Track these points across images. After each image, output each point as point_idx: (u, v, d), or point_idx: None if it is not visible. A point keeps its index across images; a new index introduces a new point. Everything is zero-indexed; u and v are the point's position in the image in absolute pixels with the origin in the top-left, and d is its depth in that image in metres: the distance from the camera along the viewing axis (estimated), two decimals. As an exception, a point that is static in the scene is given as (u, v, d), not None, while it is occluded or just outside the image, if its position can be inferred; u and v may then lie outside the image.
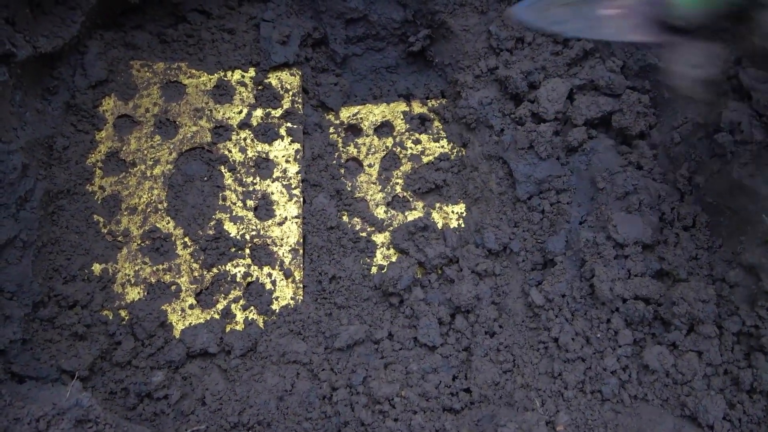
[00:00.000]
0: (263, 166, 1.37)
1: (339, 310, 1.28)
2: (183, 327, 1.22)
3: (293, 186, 1.35)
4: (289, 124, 1.39)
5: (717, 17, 0.89)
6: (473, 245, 1.30)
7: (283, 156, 1.37)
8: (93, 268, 1.23)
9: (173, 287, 1.25)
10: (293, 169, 1.37)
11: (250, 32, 1.43)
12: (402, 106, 1.47)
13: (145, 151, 1.33)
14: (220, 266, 1.28)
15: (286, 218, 1.33)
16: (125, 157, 1.31)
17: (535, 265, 1.27)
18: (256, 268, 1.30)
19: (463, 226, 1.36)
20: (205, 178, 1.34)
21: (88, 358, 1.12)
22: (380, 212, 1.38)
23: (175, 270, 1.26)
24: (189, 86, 1.38)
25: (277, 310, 1.26)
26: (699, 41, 0.90)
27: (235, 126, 1.37)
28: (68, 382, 1.04)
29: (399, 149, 1.43)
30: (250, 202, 1.33)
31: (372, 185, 1.41)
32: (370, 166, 1.42)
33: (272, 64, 1.40)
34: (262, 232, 1.32)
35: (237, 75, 1.40)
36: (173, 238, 1.28)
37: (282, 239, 1.32)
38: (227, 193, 1.33)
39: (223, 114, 1.37)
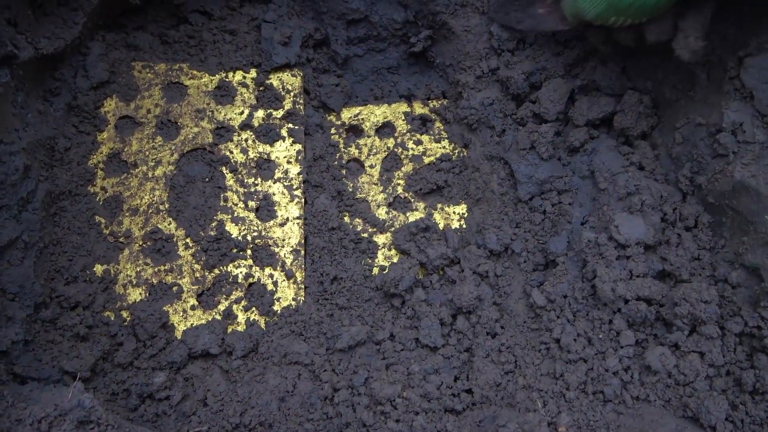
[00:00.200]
0: (265, 167, 1.37)
1: (340, 311, 1.28)
2: (184, 328, 1.22)
3: (295, 187, 1.35)
4: (290, 125, 1.39)
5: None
6: (475, 246, 1.30)
7: (284, 157, 1.37)
8: (95, 269, 1.23)
9: (175, 288, 1.25)
10: (295, 169, 1.37)
11: (251, 33, 1.43)
12: (403, 107, 1.47)
13: (147, 152, 1.33)
14: (221, 267, 1.28)
15: (287, 219, 1.33)
16: (127, 158, 1.31)
17: (537, 266, 1.27)
18: (257, 269, 1.30)
19: (464, 226, 1.36)
20: (207, 179, 1.34)
21: (89, 359, 1.13)
22: (382, 213, 1.38)
23: (177, 271, 1.26)
24: (190, 87, 1.38)
25: (278, 311, 1.26)
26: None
27: (237, 127, 1.37)
28: (70, 383, 1.04)
29: (400, 150, 1.43)
30: (251, 203, 1.33)
31: (373, 186, 1.41)
32: (371, 166, 1.42)
33: (273, 65, 1.40)
34: (263, 233, 1.32)
35: (238, 76, 1.40)
36: (175, 239, 1.28)
37: (283, 240, 1.32)
38: (229, 194, 1.33)
39: (225, 115, 1.38)
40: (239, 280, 1.28)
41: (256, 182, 1.35)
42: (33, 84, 1.19)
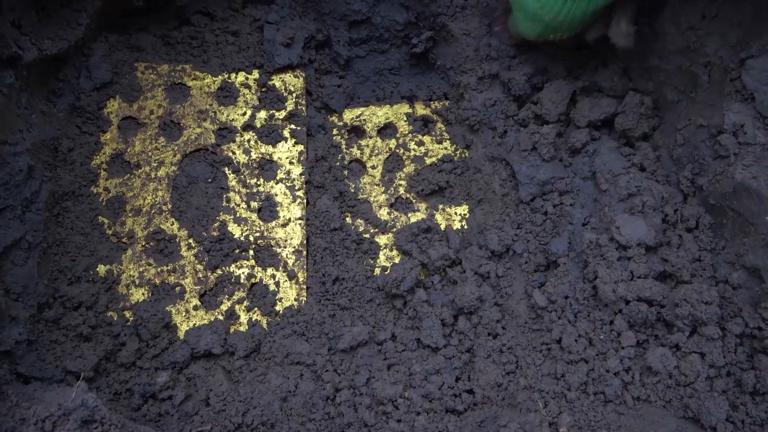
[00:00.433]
0: (267, 167, 1.38)
1: (342, 311, 1.28)
2: (187, 328, 1.23)
3: (297, 187, 1.36)
4: (292, 126, 1.40)
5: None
6: (476, 247, 1.30)
7: (286, 158, 1.38)
8: (98, 269, 1.23)
9: (177, 288, 1.26)
10: (297, 170, 1.37)
11: (253, 34, 1.44)
12: (405, 108, 1.48)
13: (150, 153, 1.33)
14: (224, 267, 1.29)
15: (289, 220, 1.34)
16: (130, 158, 1.32)
17: (538, 267, 1.28)
18: (259, 269, 1.30)
19: (466, 227, 1.37)
20: (210, 180, 1.34)
21: (92, 359, 1.13)
22: (383, 214, 1.39)
23: (180, 271, 1.27)
24: (193, 88, 1.38)
25: (280, 312, 1.27)
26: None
27: (239, 128, 1.38)
28: (73, 383, 1.04)
29: (402, 151, 1.44)
30: (253, 204, 1.33)
31: (375, 187, 1.41)
32: (373, 167, 1.43)
33: (276, 66, 1.40)
34: (265, 234, 1.32)
35: (241, 77, 1.41)
36: (177, 240, 1.29)
37: (286, 241, 1.32)
38: (231, 194, 1.34)
39: (227, 116, 1.38)
40: (241, 281, 1.28)
41: (258, 183, 1.35)
42: (37, 85, 1.20)
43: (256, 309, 1.27)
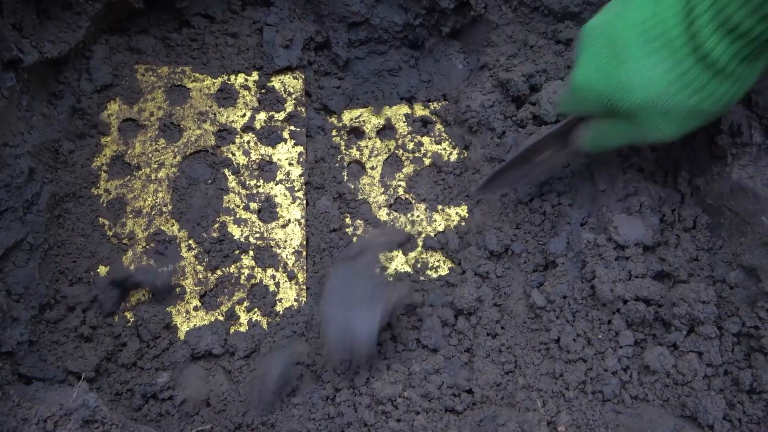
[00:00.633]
0: (267, 168, 1.38)
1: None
2: (187, 329, 1.23)
3: (296, 188, 1.37)
4: (292, 127, 1.41)
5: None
6: (475, 247, 1.31)
7: (286, 159, 1.38)
8: (98, 270, 1.24)
9: (178, 289, 1.26)
10: (296, 171, 1.38)
11: (253, 36, 1.44)
12: (404, 109, 1.48)
13: (150, 155, 1.34)
14: (224, 268, 1.29)
15: (289, 221, 1.34)
16: (130, 160, 1.33)
17: (537, 267, 1.28)
18: (259, 270, 1.31)
19: (464, 228, 1.37)
20: (209, 181, 1.35)
21: (93, 359, 1.14)
22: (383, 214, 1.39)
23: (180, 272, 1.27)
24: (193, 90, 1.39)
25: (280, 312, 1.27)
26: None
27: (239, 129, 1.39)
28: (74, 384, 1.05)
29: (401, 151, 1.44)
30: (253, 205, 1.34)
31: (374, 187, 1.42)
32: (372, 168, 1.43)
33: (275, 68, 1.41)
34: (265, 235, 1.33)
35: (240, 79, 1.41)
36: (178, 241, 1.29)
37: (285, 241, 1.33)
38: (231, 195, 1.34)
39: (227, 117, 1.39)
40: (241, 281, 1.29)
41: (258, 184, 1.36)
42: (37, 87, 1.21)
43: (256, 309, 1.27)
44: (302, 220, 1.35)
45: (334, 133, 1.46)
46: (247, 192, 1.35)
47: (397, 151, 1.44)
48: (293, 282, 1.30)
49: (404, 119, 1.47)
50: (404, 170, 1.43)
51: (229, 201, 1.34)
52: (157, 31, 1.42)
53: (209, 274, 1.28)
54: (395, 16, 1.45)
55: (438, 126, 1.47)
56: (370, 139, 1.46)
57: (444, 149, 1.44)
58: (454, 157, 1.43)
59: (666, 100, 0.79)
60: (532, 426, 1.05)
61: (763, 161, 1.06)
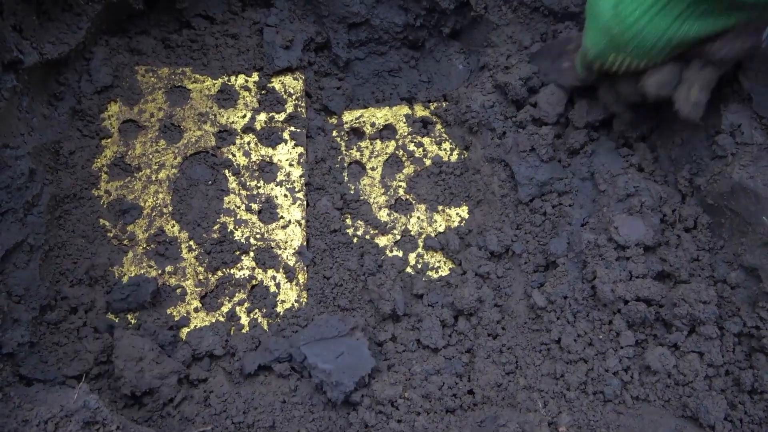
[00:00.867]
0: (267, 169, 1.38)
1: (343, 312, 1.28)
2: (188, 329, 1.23)
3: (297, 189, 1.36)
4: (292, 128, 1.41)
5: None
6: (476, 247, 1.31)
7: (286, 159, 1.38)
8: (99, 271, 1.23)
9: (178, 290, 1.26)
10: (297, 172, 1.38)
11: (253, 37, 1.44)
12: (404, 110, 1.48)
13: (150, 156, 1.34)
14: (224, 269, 1.29)
15: (289, 221, 1.34)
16: (131, 161, 1.33)
17: (538, 267, 1.28)
18: (260, 271, 1.31)
19: (465, 228, 1.37)
20: (210, 182, 1.35)
21: (94, 360, 1.14)
22: (383, 215, 1.39)
23: (181, 273, 1.27)
24: (193, 91, 1.39)
25: (281, 313, 1.27)
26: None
27: (239, 130, 1.39)
28: (75, 385, 1.05)
29: (401, 152, 1.44)
30: (254, 206, 1.34)
31: (375, 188, 1.42)
32: (372, 169, 1.43)
33: (275, 69, 1.41)
34: (266, 236, 1.33)
35: (241, 79, 1.41)
36: (178, 242, 1.29)
37: (286, 242, 1.33)
38: (231, 196, 1.34)
39: (227, 118, 1.39)
40: (242, 282, 1.29)
41: (258, 185, 1.36)
42: (38, 89, 1.21)
43: (256, 310, 1.27)
44: (303, 221, 1.34)
45: (334, 133, 1.46)
46: (248, 193, 1.35)
47: (397, 152, 1.44)
48: (294, 283, 1.30)
49: (404, 120, 1.47)
50: (405, 171, 1.43)
51: (229, 202, 1.34)
52: (158, 32, 1.42)
53: (210, 275, 1.28)
54: (395, 16, 1.45)
55: (438, 126, 1.47)
56: (370, 139, 1.46)
57: (444, 150, 1.44)
58: (454, 158, 1.43)
59: (599, 8, 1.02)
60: (533, 426, 1.05)
61: (764, 161, 1.06)
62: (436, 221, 1.39)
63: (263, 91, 1.42)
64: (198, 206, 1.32)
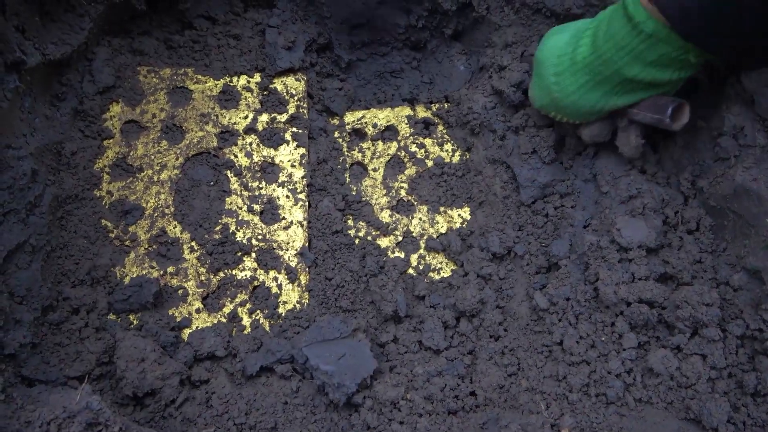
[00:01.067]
0: (269, 170, 1.38)
1: (344, 313, 1.28)
2: (190, 331, 1.23)
3: (299, 190, 1.36)
4: (294, 129, 1.41)
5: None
6: (478, 249, 1.31)
7: (288, 160, 1.38)
8: (101, 272, 1.23)
9: (180, 291, 1.26)
10: (299, 173, 1.38)
11: (255, 38, 1.44)
12: (406, 111, 1.48)
13: (152, 156, 1.34)
14: (226, 270, 1.29)
15: (291, 222, 1.34)
16: (132, 162, 1.33)
17: (540, 269, 1.28)
18: (262, 272, 1.31)
19: (467, 230, 1.37)
20: (212, 183, 1.35)
21: (96, 361, 1.13)
22: (385, 216, 1.39)
23: (182, 274, 1.27)
24: (195, 92, 1.39)
25: (283, 314, 1.27)
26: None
27: (241, 131, 1.39)
28: (77, 386, 1.05)
29: (403, 153, 1.44)
30: (255, 207, 1.34)
31: (377, 189, 1.42)
32: (374, 170, 1.43)
33: (278, 70, 1.41)
34: (267, 237, 1.33)
35: (243, 80, 1.41)
36: (180, 243, 1.29)
37: (288, 243, 1.33)
38: (233, 197, 1.34)
39: (229, 119, 1.39)
40: (244, 284, 1.29)
41: (260, 186, 1.36)
42: (40, 89, 1.21)
43: (258, 311, 1.27)
44: (304, 222, 1.34)
45: (336, 134, 1.46)
46: (250, 194, 1.35)
47: (399, 153, 1.44)
48: (295, 284, 1.30)
49: (406, 121, 1.47)
50: (406, 172, 1.43)
51: (231, 203, 1.34)
52: (160, 32, 1.42)
53: (211, 276, 1.28)
54: (397, 17, 1.45)
55: (440, 128, 1.47)
56: (372, 140, 1.46)
57: (446, 151, 1.44)
58: (456, 159, 1.43)
59: (543, 69, 1.17)
60: (535, 429, 1.05)
61: (767, 163, 1.06)
62: (437, 222, 1.39)
63: (265, 92, 1.42)
64: (200, 207, 1.32)
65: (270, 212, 1.35)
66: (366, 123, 1.47)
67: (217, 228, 1.31)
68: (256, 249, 1.31)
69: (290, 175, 1.37)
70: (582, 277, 1.20)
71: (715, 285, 1.12)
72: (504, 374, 1.18)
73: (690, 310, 1.07)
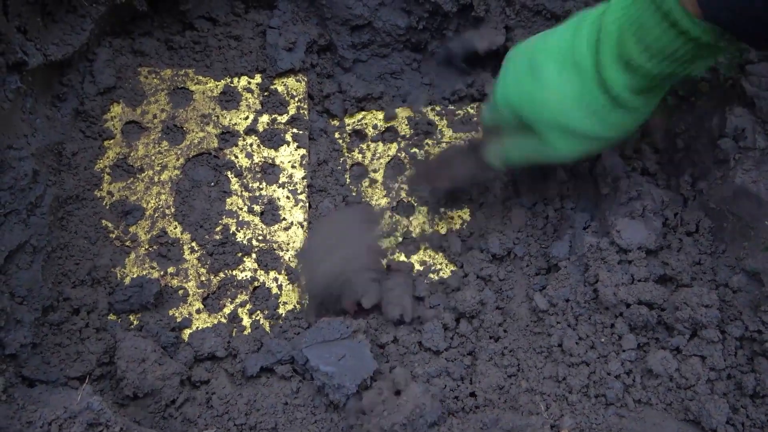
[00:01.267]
0: (269, 171, 1.38)
1: (345, 314, 1.28)
2: (190, 331, 1.23)
3: (299, 191, 1.37)
4: (294, 130, 1.41)
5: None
6: (477, 250, 1.31)
7: (288, 161, 1.39)
8: (101, 272, 1.24)
9: (181, 292, 1.26)
10: (299, 174, 1.38)
11: (256, 39, 1.45)
12: (407, 112, 1.48)
13: (153, 157, 1.34)
14: (226, 271, 1.29)
15: (292, 223, 1.34)
16: (133, 162, 1.33)
17: (539, 270, 1.28)
18: (262, 272, 1.31)
19: (467, 231, 1.37)
20: (212, 184, 1.35)
21: (96, 361, 1.14)
22: (385, 217, 1.40)
23: (183, 275, 1.28)
24: (196, 92, 1.39)
25: (283, 315, 1.27)
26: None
27: (242, 132, 1.39)
28: (78, 386, 1.05)
29: (403, 155, 1.44)
30: (256, 207, 1.34)
31: (377, 190, 1.42)
32: (375, 171, 1.43)
33: (278, 71, 1.41)
34: (268, 237, 1.33)
35: (243, 81, 1.42)
36: (181, 243, 1.30)
37: (288, 244, 1.33)
38: (234, 198, 1.35)
39: (230, 120, 1.39)
40: (244, 284, 1.29)
41: (260, 186, 1.36)
42: (41, 90, 1.21)
43: (258, 312, 1.27)
44: (305, 223, 1.35)
45: (336, 135, 1.46)
46: (250, 194, 1.35)
47: (399, 154, 1.45)
48: (296, 285, 1.30)
49: (406, 122, 1.47)
50: (407, 173, 1.43)
51: (231, 203, 1.34)
52: (161, 33, 1.42)
53: (212, 277, 1.28)
54: (398, 19, 1.45)
55: (440, 128, 1.47)
56: (372, 141, 1.46)
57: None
58: (456, 160, 1.43)
59: (569, 120, 0.90)
60: (535, 429, 1.05)
61: (767, 165, 1.06)
62: (437, 224, 1.39)
63: (266, 93, 1.42)
64: (200, 208, 1.32)
65: (270, 213, 1.35)
66: (366, 124, 1.47)
67: (218, 228, 1.31)
68: (256, 250, 1.32)
69: (291, 176, 1.38)
70: (582, 278, 1.20)
71: (715, 287, 1.12)
72: (504, 375, 1.18)
73: (689, 312, 1.08)
